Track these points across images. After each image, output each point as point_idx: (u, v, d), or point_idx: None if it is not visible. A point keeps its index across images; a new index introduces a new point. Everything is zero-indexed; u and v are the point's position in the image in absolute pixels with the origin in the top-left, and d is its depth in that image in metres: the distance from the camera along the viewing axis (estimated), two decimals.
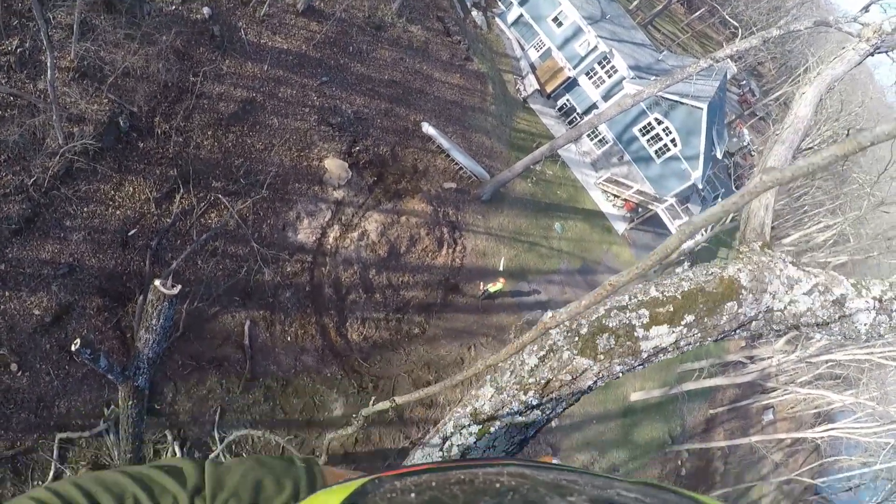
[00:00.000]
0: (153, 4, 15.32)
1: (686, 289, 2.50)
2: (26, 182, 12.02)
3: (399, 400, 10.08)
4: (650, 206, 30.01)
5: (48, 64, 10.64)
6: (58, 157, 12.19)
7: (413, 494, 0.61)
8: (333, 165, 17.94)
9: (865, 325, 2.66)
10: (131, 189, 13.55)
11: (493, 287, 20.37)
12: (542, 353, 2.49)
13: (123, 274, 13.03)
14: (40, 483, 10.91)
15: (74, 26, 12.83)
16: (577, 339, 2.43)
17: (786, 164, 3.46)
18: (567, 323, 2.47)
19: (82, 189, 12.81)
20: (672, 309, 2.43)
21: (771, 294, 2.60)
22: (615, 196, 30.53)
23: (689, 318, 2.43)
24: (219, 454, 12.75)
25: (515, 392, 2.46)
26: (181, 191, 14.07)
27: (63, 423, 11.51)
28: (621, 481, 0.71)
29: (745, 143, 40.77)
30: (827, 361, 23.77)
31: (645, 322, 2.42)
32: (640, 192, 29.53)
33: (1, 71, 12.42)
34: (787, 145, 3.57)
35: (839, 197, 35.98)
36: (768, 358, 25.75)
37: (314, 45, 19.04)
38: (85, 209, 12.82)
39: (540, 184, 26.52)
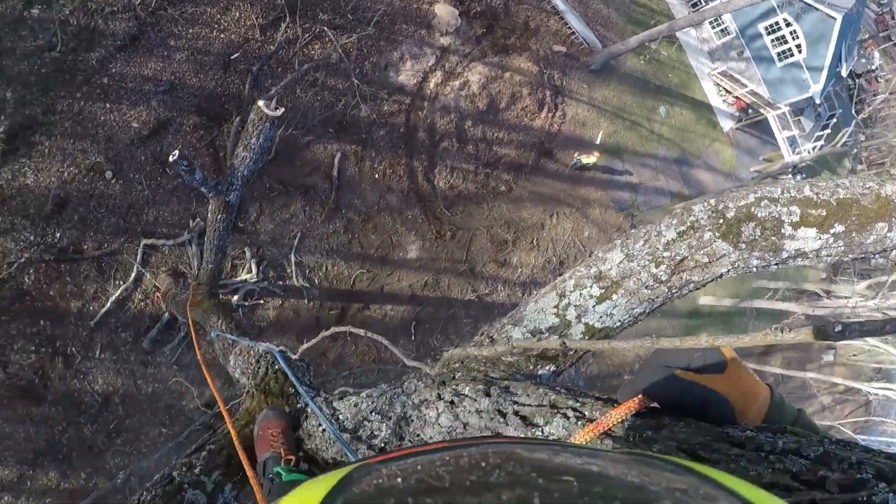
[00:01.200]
0: None
1: (841, 196, 2.34)
2: (134, 1, 12.14)
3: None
4: (761, 110, 28.82)
5: None
6: None
7: (399, 479, 0.61)
8: (444, 11, 17.60)
9: None
10: (237, 14, 13.58)
11: (588, 159, 20.07)
12: (681, 227, 2.40)
13: (222, 96, 13.22)
14: (122, 283, 11.62)
15: None
16: (721, 221, 2.34)
17: None
18: (713, 203, 2.40)
19: (189, 10, 12.91)
20: (824, 214, 2.30)
21: None
22: (727, 92, 29.21)
23: (840, 227, 2.30)
24: (293, 275, 13.38)
25: (646, 263, 2.40)
26: (287, 20, 14.02)
27: (149, 231, 11.99)
28: (610, 453, 0.72)
29: (873, 67, 38.04)
30: None
31: (794, 220, 2.30)
32: (753, 93, 28.19)
33: None
34: None
35: None
36: (846, 297, 24.96)
37: None
38: (190, 30, 12.93)
39: (652, 63, 25.55)
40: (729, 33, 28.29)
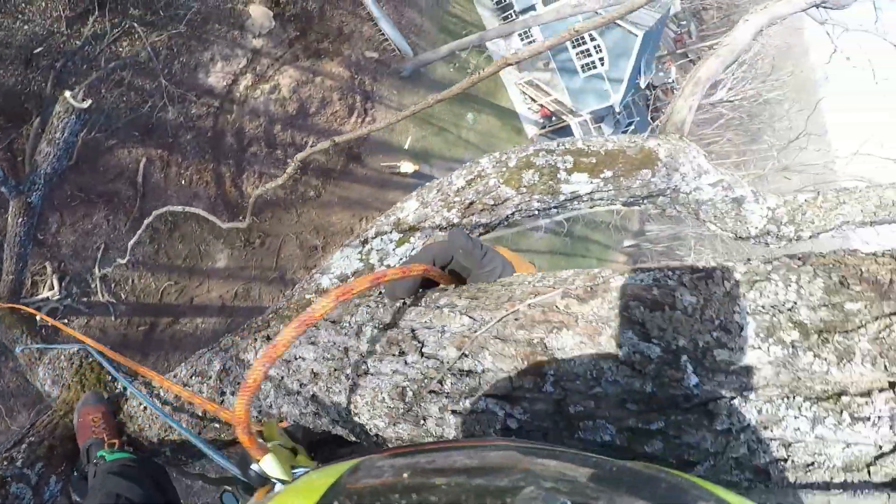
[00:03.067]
0: None
1: (609, 148, 2.65)
2: None
3: (339, 139, 10.10)
4: (564, 118, 30.13)
5: None
6: None
7: (406, 475, 0.63)
8: (258, 12, 17.39)
9: (757, 228, 2.93)
10: (43, 4, 12.74)
11: (406, 168, 20.63)
12: (469, 177, 2.62)
13: (23, 94, 12.39)
14: None
15: None
16: (504, 169, 2.57)
17: (715, 77, 3.70)
18: (497, 154, 2.65)
19: None
20: (594, 161, 2.58)
21: (681, 175, 2.76)
22: (532, 100, 30.47)
23: (608, 173, 2.58)
24: (97, 290, 12.85)
25: (439, 208, 2.58)
26: (96, 13, 13.30)
27: None
28: (611, 461, 0.71)
29: (669, 80, 40.99)
30: None
31: (568, 167, 2.56)
32: (557, 102, 29.60)
33: None
34: (721, 60, 3.74)
35: (745, 153, 36.80)
36: None
37: None
38: None
39: (461, 72, 26.20)
40: None
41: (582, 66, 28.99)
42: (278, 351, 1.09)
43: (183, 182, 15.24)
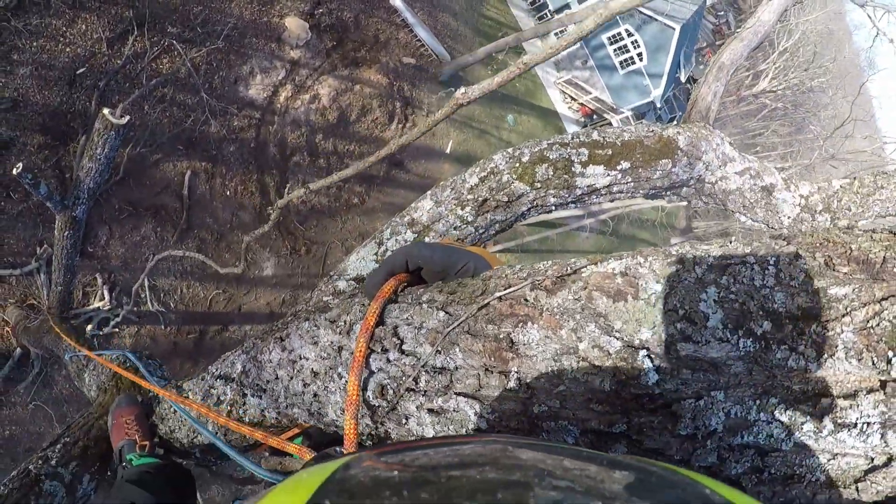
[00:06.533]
0: None
1: (626, 139, 2.58)
2: None
3: (313, 186, 10.02)
4: (605, 116, 30.08)
5: None
6: None
7: (396, 472, 0.62)
8: (294, 24, 17.58)
9: (789, 217, 2.81)
10: (84, 27, 13.10)
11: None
12: (482, 174, 2.58)
13: (68, 113, 12.70)
14: None
15: None
16: (517, 164, 2.51)
17: (739, 60, 3.63)
18: (510, 150, 2.58)
19: (33, 23, 12.33)
20: (610, 153, 2.52)
21: (705, 164, 2.69)
22: (572, 99, 30.40)
23: (626, 164, 2.52)
24: (145, 297, 13.08)
25: (453, 207, 2.56)
26: (135, 33, 13.61)
27: None
28: (610, 457, 0.69)
29: None
30: None
31: (583, 160, 2.50)
32: (597, 100, 29.52)
33: None
34: (745, 44, 3.66)
35: (792, 144, 36.46)
36: None
37: None
38: (34, 44, 12.33)
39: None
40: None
41: (620, 63, 28.75)
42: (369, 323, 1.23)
43: (228, 193, 15.47)
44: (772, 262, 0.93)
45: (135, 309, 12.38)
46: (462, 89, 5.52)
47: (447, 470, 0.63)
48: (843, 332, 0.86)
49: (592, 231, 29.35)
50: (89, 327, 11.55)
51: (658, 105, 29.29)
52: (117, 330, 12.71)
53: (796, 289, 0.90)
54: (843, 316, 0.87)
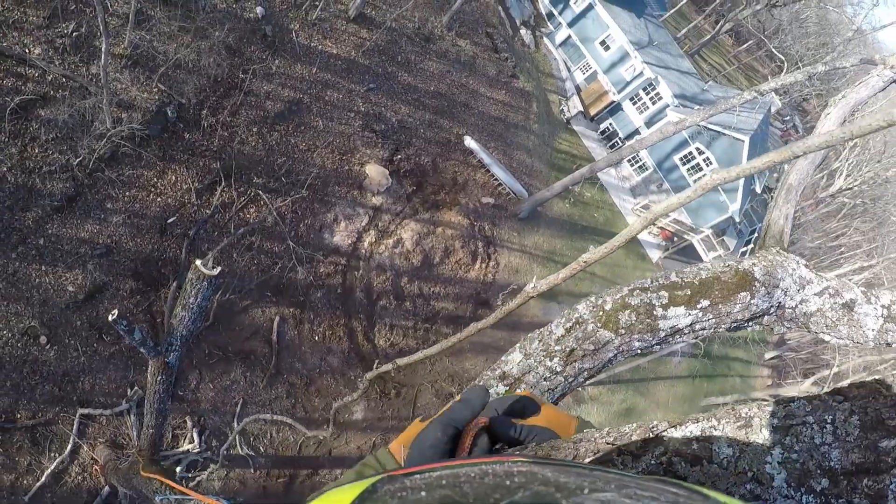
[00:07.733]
0: (208, 0, 15.58)
1: (703, 277, 2.66)
2: (72, 162, 12.30)
3: (401, 362, 10.35)
4: (686, 236, 29.86)
5: (102, 49, 10.83)
6: (105, 140, 12.44)
7: (423, 493, 0.61)
8: (374, 171, 18.08)
9: (873, 330, 2.73)
10: (174, 178, 13.79)
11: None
12: (568, 324, 2.63)
13: (159, 260, 13.27)
14: (57, 454, 11.18)
15: (130, 15, 13.18)
16: (601, 313, 2.59)
17: (806, 179, 3.67)
18: (593, 300, 2.68)
19: (126, 173, 13.07)
20: (689, 293, 2.59)
21: (783, 290, 2.71)
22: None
23: (705, 302, 2.58)
24: (234, 441, 12.99)
25: (542, 358, 2.60)
26: (222, 184, 14.28)
27: (85, 399, 11.69)
28: (633, 478, 0.70)
29: None
30: None
31: (664, 303, 2.57)
32: (676, 221, 29.34)
33: (56, 53, 12.72)
34: (810, 161, 3.72)
35: (875, 239, 36.03)
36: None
37: (363, 52, 19.29)
38: (127, 193, 13.07)
39: (577, 205, 26.49)
40: (647, 168, 29.77)
41: (695, 182, 28.45)
42: None
43: (316, 338, 15.62)
44: (829, 421, 1.02)
45: (224, 452, 12.29)
46: (532, 283, 6.18)
47: (475, 491, 0.61)
48: (891, 482, 0.94)
49: (684, 355, 28.89)
50: (178, 469, 11.59)
51: (737, 219, 28.91)
52: (206, 473, 12.83)
53: (851, 444, 0.99)
54: (892, 468, 0.95)
